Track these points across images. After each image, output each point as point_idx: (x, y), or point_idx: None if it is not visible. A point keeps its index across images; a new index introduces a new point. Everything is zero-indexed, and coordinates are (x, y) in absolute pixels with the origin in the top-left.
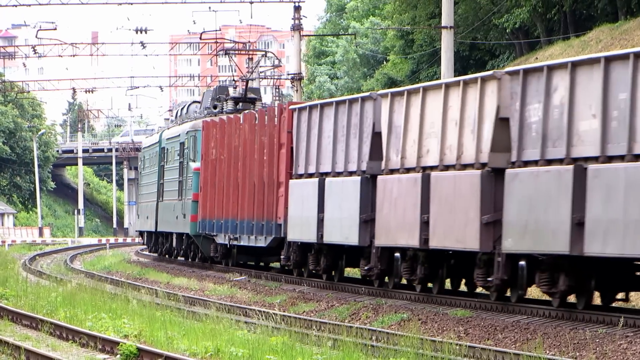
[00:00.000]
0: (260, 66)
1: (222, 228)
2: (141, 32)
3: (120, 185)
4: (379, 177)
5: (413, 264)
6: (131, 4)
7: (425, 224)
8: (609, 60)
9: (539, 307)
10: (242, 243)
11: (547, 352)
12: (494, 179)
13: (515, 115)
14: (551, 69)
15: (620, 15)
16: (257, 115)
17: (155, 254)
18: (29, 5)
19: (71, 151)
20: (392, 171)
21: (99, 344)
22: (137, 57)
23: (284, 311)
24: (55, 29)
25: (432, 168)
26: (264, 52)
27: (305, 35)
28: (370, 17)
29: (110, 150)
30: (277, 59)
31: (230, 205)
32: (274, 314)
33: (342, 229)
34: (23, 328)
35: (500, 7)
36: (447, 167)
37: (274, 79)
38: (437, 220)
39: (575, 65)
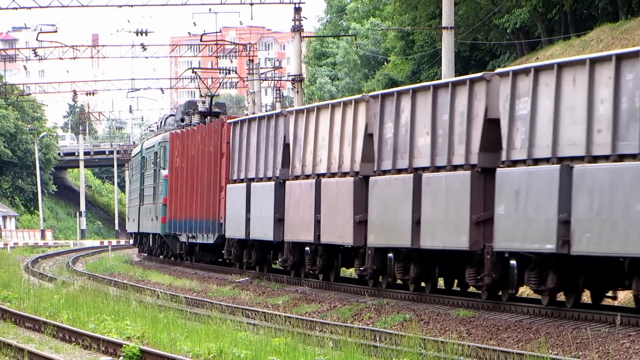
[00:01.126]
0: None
1: (184, 228)
2: (141, 34)
3: (122, 188)
4: (287, 182)
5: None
6: (131, 6)
7: (317, 223)
8: (435, 87)
9: (537, 307)
10: (197, 240)
11: (550, 351)
12: (364, 185)
13: (376, 131)
14: (399, 93)
15: (621, 15)
16: (206, 128)
17: (145, 254)
18: (29, 7)
19: (73, 154)
20: (296, 177)
21: (102, 345)
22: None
23: (286, 312)
24: (56, 31)
25: (323, 175)
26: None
27: (306, 37)
28: (371, 18)
29: (111, 152)
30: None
31: (188, 208)
32: (276, 315)
33: (263, 227)
34: (26, 330)
35: (501, 7)
36: (333, 175)
37: (274, 80)
38: (325, 219)
39: (414, 91)
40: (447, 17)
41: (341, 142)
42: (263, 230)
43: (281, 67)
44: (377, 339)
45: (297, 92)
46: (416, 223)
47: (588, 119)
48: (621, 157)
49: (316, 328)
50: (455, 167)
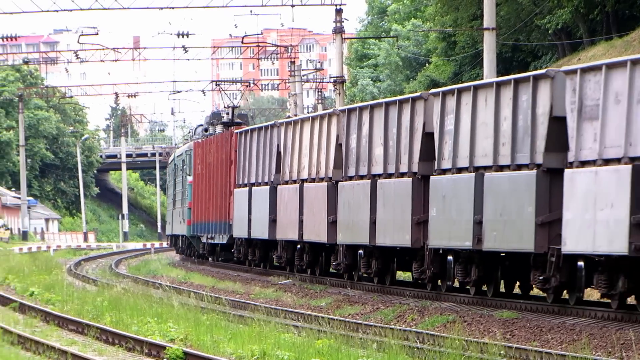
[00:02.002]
0: (302, 69)
1: (204, 229)
2: (183, 36)
3: (164, 190)
4: (278, 187)
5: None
6: (172, 8)
7: (301, 223)
8: (387, 104)
9: (582, 308)
10: (215, 241)
11: (594, 352)
12: (335, 189)
13: (344, 142)
14: (361, 109)
15: None
16: (220, 137)
17: (182, 255)
18: (70, 10)
19: (115, 156)
20: (286, 182)
21: (145, 348)
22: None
23: (329, 314)
24: (97, 33)
25: (305, 180)
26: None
27: (347, 38)
28: (412, 19)
29: (153, 154)
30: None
31: (207, 211)
32: (319, 316)
33: (261, 227)
34: (69, 333)
35: (542, 8)
36: (313, 180)
37: (315, 82)
38: (307, 219)
39: (372, 107)
40: (489, 18)
41: (318, 151)
42: (261, 230)
43: (322, 69)
44: (420, 340)
45: (339, 93)
46: (372, 223)
47: (495, 134)
48: (519, 167)
49: (359, 330)
50: (402, 174)
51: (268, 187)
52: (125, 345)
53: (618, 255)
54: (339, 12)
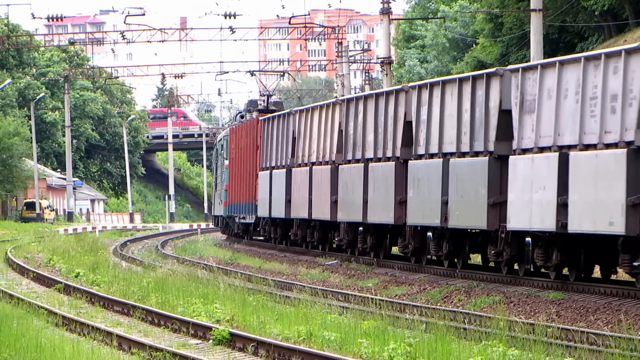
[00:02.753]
0: (349, 50)
1: (237, 210)
2: (230, 17)
3: (211, 170)
4: (292, 170)
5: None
6: None
7: (310, 202)
8: (377, 95)
9: (628, 288)
10: (246, 220)
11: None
12: (337, 171)
13: (344, 129)
14: (357, 99)
15: None
16: (248, 124)
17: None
18: None
19: (161, 137)
20: (299, 165)
21: (191, 329)
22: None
23: (376, 295)
24: (144, 14)
25: (314, 163)
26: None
27: (395, 19)
28: (459, 0)
29: (200, 135)
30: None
31: (239, 192)
32: (366, 297)
33: (280, 207)
34: (115, 314)
35: None
36: (320, 163)
37: (363, 63)
38: (314, 199)
39: (366, 97)
40: None
41: (325, 137)
42: (279, 210)
43: (370, 50)
44: (467, 321)
45: (386, 74)
46: (365, 202)
47: (457, 124)
48: (476, 154)
49: (406, 311)
50: (388, 159)
51: (285, 170)
52: (171, 326)
53: (548, 232)
54: None
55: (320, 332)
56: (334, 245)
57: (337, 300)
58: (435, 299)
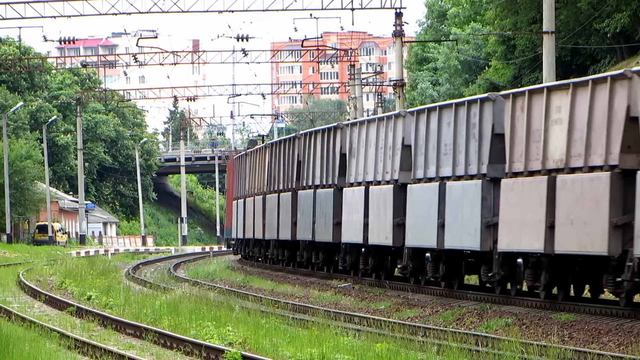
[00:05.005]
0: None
1: (228, 233)
2: (242, 40)
3: (223, 193)
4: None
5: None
6: (232, 11)
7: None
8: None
9: None
10: (233, 242)
11: None
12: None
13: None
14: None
15: None
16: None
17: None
18: (129, 13)
19: (173, 159)
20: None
21: (204, 352)
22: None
23: (388, 317)
24: (156, 37)
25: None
26: None
27: (407, 42)
28: (472, 23)
29: (212, 158)
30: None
31: (229, 217)
32: (379, 320)
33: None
34: (127, 337)
35: (601, 11)
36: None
37: (375, 85)
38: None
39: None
40: (548, 21)
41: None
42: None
43: (382, 72)
44: (479, 343)
45: (399, 97)
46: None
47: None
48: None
49: (418, 333)
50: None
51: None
52: (184, 349)
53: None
54: (398, 15)
55: (333, 354)
56: (340, 267)
57: (350, 323)
58: (447, 321)
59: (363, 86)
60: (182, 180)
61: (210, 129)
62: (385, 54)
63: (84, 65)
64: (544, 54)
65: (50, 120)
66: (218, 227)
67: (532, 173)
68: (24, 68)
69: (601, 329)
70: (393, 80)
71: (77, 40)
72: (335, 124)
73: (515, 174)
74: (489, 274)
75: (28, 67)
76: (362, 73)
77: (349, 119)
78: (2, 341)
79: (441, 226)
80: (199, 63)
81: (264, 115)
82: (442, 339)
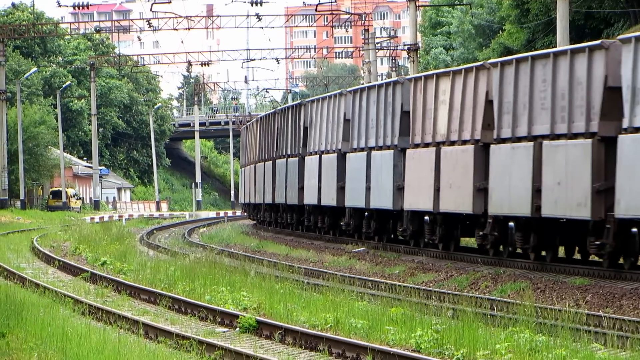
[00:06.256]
0: (376, 37)
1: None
2: (256, 5)
3: (238, 158)
4: (306, 158)
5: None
6: None
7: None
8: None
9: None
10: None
11: None
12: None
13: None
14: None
15: None
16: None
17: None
18: None
19: (188, 125)
20: (310, 154)
21: (218, 317)
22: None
23: (403, 282)
24: (170, 2)
25: (322, 152)
26: None
27: (421, 6)
28: None
29: (227, 123)
30: None
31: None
32: (393, 284)
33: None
34: (141, 302)
35: None
36: (328, 152)
37: (389, 50)
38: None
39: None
40: None
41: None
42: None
43: (396, 37)
44: (494, 307)
45: (413, 61)
46: (367, 189)
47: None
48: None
49: (433, 297)
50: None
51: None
52: (198, 314)
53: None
54: None
55: (347, 319)
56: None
57: (364, 288)
58: (462, 285)
59: (377, 50)
60: (197, 145)
61: (225, 94)
62: (399, 18)
63: (98, 31)
64: (558, 18)
65: (64, 85)
66: (232, 192)
67: (427, 145)
68: (38, 33)
69: (616, 293)
70: (407, 45)
71: (90, 5)
72: (339, 90)
73: (417, 145)
74: (433, 237)
75: (41, 32)
76: (376, 37)
77: (362, 83)
78: (16, 307)
79: (367, 189)
80: (212, 28)
81: (277, 89)
82: (456, 303)
